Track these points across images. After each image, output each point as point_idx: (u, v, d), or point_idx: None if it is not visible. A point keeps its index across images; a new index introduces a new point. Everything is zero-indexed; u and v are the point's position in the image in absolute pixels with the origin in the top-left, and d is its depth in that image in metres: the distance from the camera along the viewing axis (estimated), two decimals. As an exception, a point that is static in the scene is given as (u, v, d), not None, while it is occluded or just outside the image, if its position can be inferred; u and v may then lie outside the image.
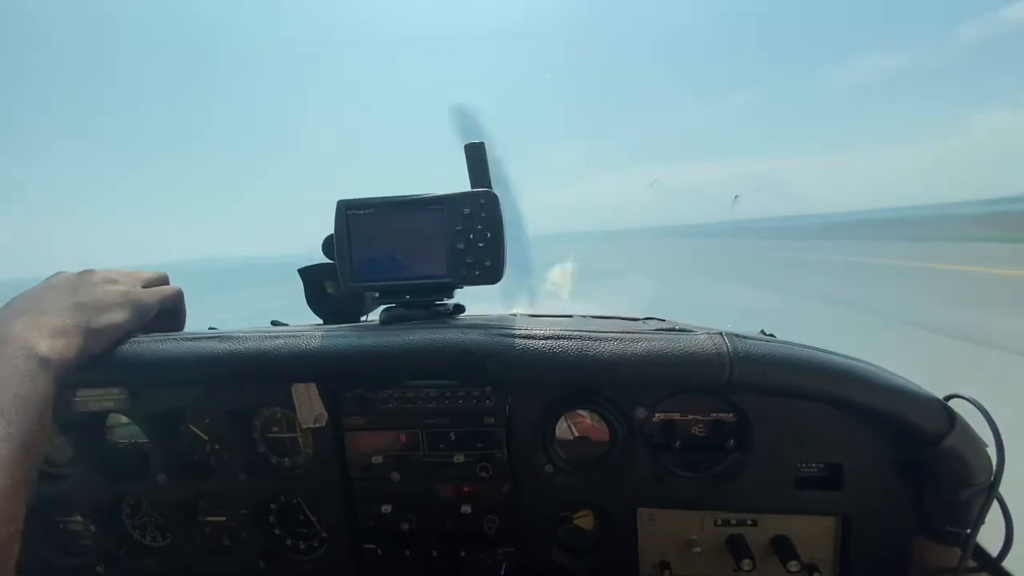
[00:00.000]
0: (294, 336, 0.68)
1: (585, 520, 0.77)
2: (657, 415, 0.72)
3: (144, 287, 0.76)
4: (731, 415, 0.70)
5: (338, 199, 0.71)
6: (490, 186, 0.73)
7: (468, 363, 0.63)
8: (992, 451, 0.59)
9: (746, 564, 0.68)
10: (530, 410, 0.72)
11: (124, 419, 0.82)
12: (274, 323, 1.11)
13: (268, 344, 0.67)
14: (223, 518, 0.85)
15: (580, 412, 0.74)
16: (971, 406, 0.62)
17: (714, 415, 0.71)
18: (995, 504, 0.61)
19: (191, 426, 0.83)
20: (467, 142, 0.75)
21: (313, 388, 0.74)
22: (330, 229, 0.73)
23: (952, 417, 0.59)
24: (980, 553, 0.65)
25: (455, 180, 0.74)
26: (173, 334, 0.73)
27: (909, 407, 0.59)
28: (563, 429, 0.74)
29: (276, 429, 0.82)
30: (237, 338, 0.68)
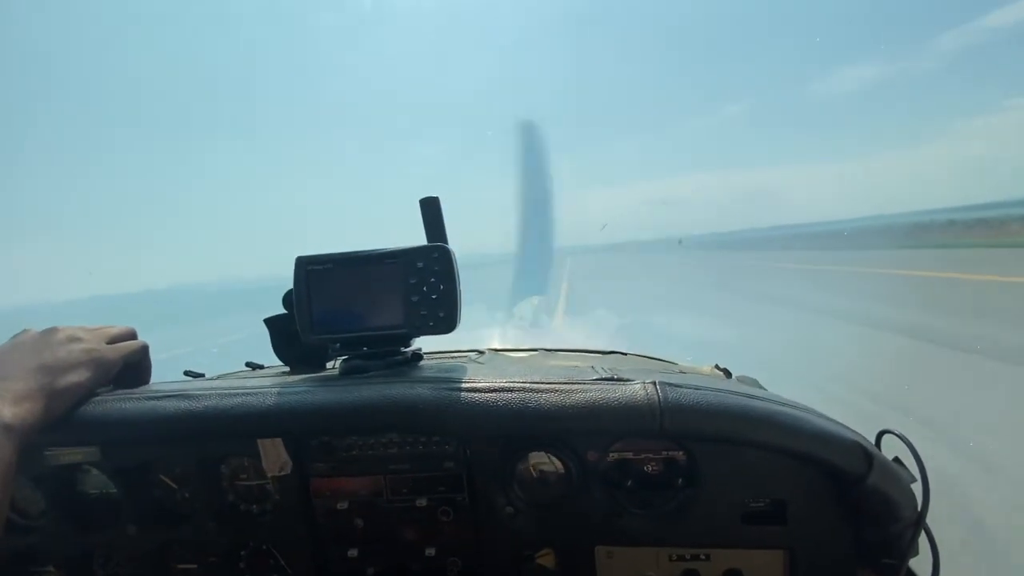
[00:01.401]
0: (252, 394, 0.70)
1: (547, 559, 0.79)
2: (612, 454, 0.74)
3: (109, 343, 0.78)
4: (681, 453, 0.73)
5: (297, 255, 0.74)
6: (445, 240, 0.77)
7: (415, 420, 0.66)
8: (918, 487, 0.63)
9: None
10: (489, 454, 0.75)
11: (95, 469, 0.83)
12: (248, 364, 1.12)
13: (227, 403, 0.70)
14: (194, 565, 0.86)
15: (538, 454, 0.76)
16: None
17: (666, 453, 0.73)
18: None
19: (161, 476, 0.84)
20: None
21: (278, 440, 0.76)
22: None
23: (870, 458, 0.62)
24: None
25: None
26: (136, 391, 0.75)
27: (829, 451, 0.62)
28: (522, 471, 0.77)
29: (244, 476, 0.83)
30: (197, 396, 0.71)
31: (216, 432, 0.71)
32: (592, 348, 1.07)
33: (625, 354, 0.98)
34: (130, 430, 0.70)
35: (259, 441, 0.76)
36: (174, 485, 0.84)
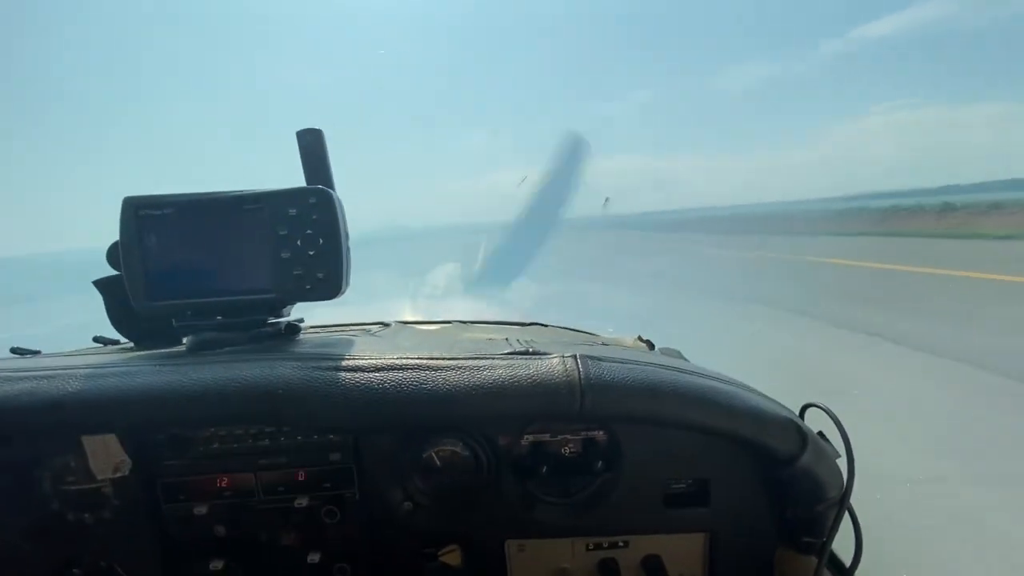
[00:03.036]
0: (48, 377, 0.53)
1: (452, 557, 0.69)
2: (526, 438, 0.65)
3: None
4: (601, 432, 0.65)
5: (125, 196, 0.56)
6: (330, 183, 0.62)
7: (274, 409, 0.51)
8: (843, 463, 0.59)
9: None
10: (384, 442, 0.63)
11: None
12: (97, 340, 0.92)
13: (5, 390, 0.52)
14: None
15: (441, 440, 0.65)
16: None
17: (585, 433, 0.65)
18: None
19: None
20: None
21: (110, 437, 0.60)
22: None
23: (804, 438, 0.58)
24: (835, 562, 0.65)
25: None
26: None
27: (763, 431, 0.57)
28: (424, 460, 0.66)
29: (72, 479, 0.66)
30: None
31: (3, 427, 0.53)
32: (512, 321, 0.97)
33: (546, 326, 0.90)
34: None
35: (82, 437, 0.59)
36: None
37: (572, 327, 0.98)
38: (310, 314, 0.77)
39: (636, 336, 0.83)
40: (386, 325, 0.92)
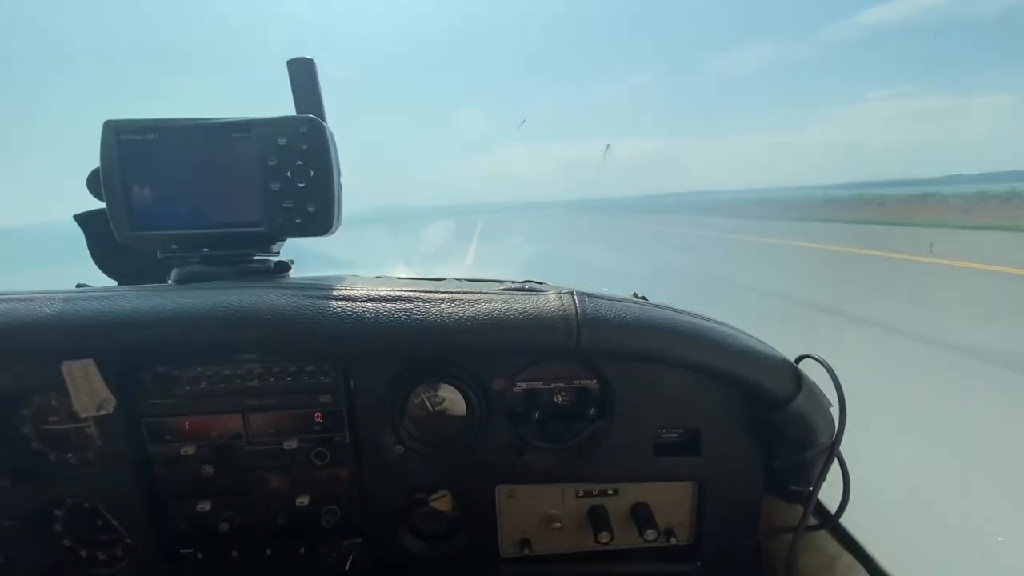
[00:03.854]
0: (27, 300, 0.51)
1: (442, 502, 0.69)
2: (519, 384, 0.65)
3: None
4: (594, 381, 0.65)
5: (105, 120, 0.54)
6: (322, 114, 0.59)
7: (263, 334, 0.50)
8: (836, 412, 0.59)
9: (604, 537, 0.65)
10: (375, 385, 0.62)
11: None
12: (80, 286, 0.89)
13: None
14: None
15: (434, 384, 0.65)
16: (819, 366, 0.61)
17: (578, 382, 0.65)
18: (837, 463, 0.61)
19: None
20: None
21: (91, 367, 0.58)
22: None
23: (800, 379, 0.58)
24: (821, 510, 0.66)
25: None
26: None
27: (760, 370, 0.56)
28: (415, 405, 0.65)
29: (55, 419, 0.64)
30: None
31: None
32: (506, 279, 0.96)
33: (541, 283, 0.88)
34: None
35: (65, 369, 0.57)
36: None
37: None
38: (300, 270, 0.76)
39: (632, 293, 0.82)
40: (380, 277, 0.90)
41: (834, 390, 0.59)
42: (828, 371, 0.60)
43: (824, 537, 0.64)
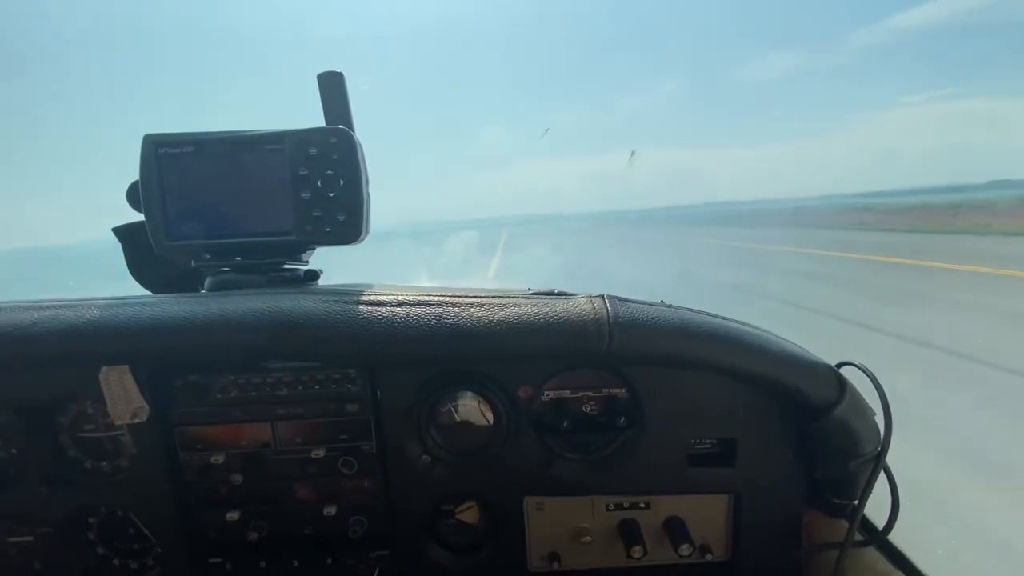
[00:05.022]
0: (67, 307, 0.52)
1: (470, 514, 0.68)
2: (546, 393, 0.64)
3: None
4: (623, 390, 0.63)
5: (145, 134, 0.56)
6: (350, 124, 0.61)
7: (295, 339, 0.50)
8: (880, 420, 0.56)
9: (636, 552, 0.63)
10: (402, 393, 0.62)
11: None
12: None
13: (25, 317, 0.51)
14: (29, 538, 0.69)
15: (461, 393, 0.64)
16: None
17: (606, 391, 0.64)
18: (883, 476, 0.58)
19: None
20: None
21: (127, 374, 0.60)
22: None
23: (843, 385, 0.55)
24: (867, 525, 0.63)
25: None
26: None
27: (800, 375, 0.54)
28: (442, 414, 0.65)
29: (90, 427, 0.66)
30: None
31: (13, 356, 0.53)
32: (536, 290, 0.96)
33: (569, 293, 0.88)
34: None
35: (103, 376, 0.59)
36: None
37: None
38: (328, 279, 0.76)
39: (660, 301, 0.81)
40: (392, 285, 0.91)
41: (877, 399, 0.57)
42: (871, 379, 0.57)
43: (872, 554, 0.61)
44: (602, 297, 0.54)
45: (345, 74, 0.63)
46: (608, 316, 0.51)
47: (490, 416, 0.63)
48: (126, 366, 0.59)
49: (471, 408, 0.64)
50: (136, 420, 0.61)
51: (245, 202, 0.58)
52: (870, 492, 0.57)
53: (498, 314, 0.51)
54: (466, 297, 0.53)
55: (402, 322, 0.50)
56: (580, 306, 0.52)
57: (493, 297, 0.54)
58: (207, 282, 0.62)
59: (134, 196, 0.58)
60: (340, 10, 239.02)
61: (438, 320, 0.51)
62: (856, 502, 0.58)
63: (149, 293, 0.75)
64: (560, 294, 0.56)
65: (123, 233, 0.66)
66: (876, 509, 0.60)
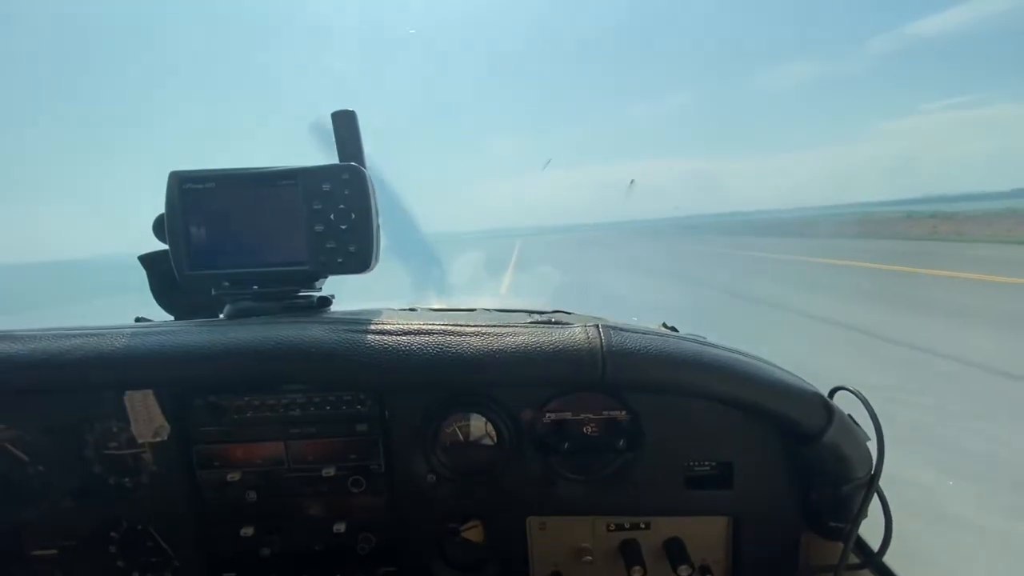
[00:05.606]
0: (95, 335, 0.56)
1: (474, 532, 0.70)
2: (548, 415, 0.66)
3: None
4: (623, 413, 0.65)
5: (171, 171, 0.60)
6: (362, 161, 0.64)
7: (308, 365, 0.53)
8: (873, 445, 0.58)
9: (636, 572, 0.64)
10: (409, 415, 0.64)
11: None
12: (138, 320, 0.96)
13: (60, 345, 0.55)
14: (53, 551, 0.72)
15: (465, 415, 0.67)
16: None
17: (607, 413, 0.66)
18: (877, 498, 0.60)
19: (7, 445, 0.69)
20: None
21: (150, 396, 0.63)
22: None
23: (831, 412, 0.57)
24: (863, 547, 0.64)
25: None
26: None
27: (788, 403, 0.56)
28: (446, 434, 0.67)
29: (114, 445, 0.69)
30: (22, 338, 0.56)
31: (45, 383, 0.56)
32: (535, 308, 0.98)
33: (570, 313, 0.90)
34: None
35: (128, 397, 0.62)
36: (24, 457, 0.69)
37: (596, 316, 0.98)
38: (340, 304, 0.80)
39: (661, 323, 0.83)
40: (413, 310, 0.94)
41: (871, 423, 0.58)
42: (864, 404, 0.59)
43: None
44: (596, 326, 0.56)
45: (358, 109, 0.67)
46: (602, 345, 0.53)
47: (494, 437, 0.66)
48: (150, 390, 0.62)
49: (475, 429, 0.66)
50: (158, 439, 0.65)
51: (262, 234, 0.61)
52: (864, 515, 0.58)
53: (496, 343, 0.54)
54: (467, 326, 0.56)
55: (406, 351, 0.53)
56: (575, 335, 0.55)
57: (492, 326, 0.56)
58: (226, 309, 0.66)
59: (159, 228, 0.62)
60: (350, 10, 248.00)
61: (440, 349, 0.53)
62: (851, 525, 0.60)
63: (171, 317, 0.78)
64: (558, 322, 0.59)
65: (149, 261, 0.70)
66: (874, 531, 0.61)
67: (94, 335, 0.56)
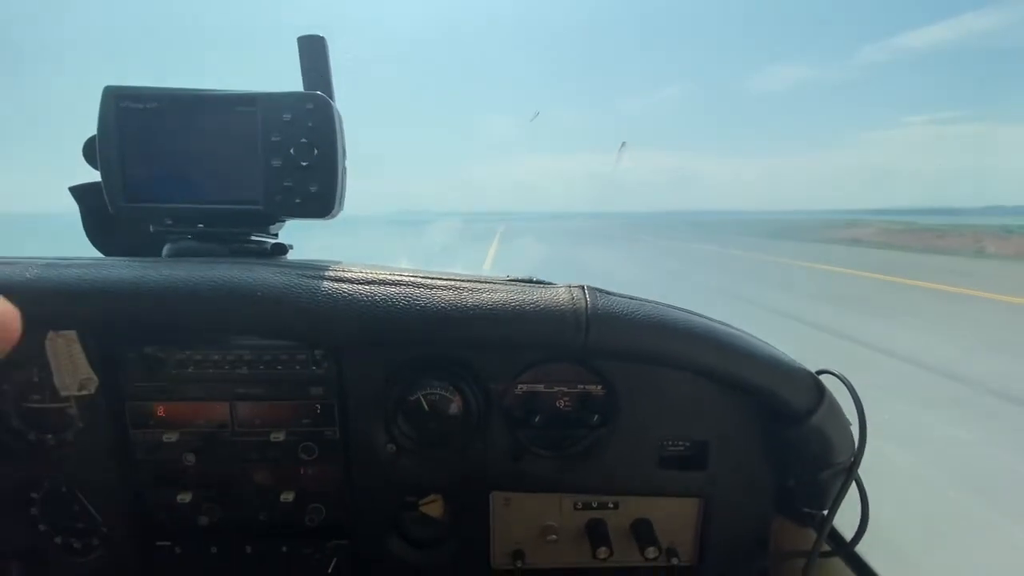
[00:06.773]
0: (3, 264, 0.48)
1: (434, 507, 0.66)
2: (519, 386, 0.62)
3: None
4: (599, 387, 0.62)
5: (106, 85, 0.52)
6: (331, 93, 0.57)
7: (251, 313, 0.47)
8: (855, 430, 0.56)
9: (602, 552, 0.61)
10: (369, 379, 0.59)
11: None
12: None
13: None
14: None
15: (431, 382, 0.62)
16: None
17: (581, 387, 0.62)
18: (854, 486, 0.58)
19: None
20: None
21: (75, 343, 0.56)
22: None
23: (821, 392, 0.54)
24: (835, 536, 0.62)
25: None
26: None
27: (779, 379, 0.53)
28: (411, 402, 0.62)
29: (37, 398, 0.62)
30: None
31: None
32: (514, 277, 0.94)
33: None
34: None
35: (49, 341, 0.55)
36: None
37: None
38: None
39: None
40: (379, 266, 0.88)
41: (854, 409, 0.56)
42: (848, 388, 0.56)
43: (838, 565, 0.60)
44: (581, 287, 0.52)
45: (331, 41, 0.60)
46: (587, 307, 0.49)
47: (460, 407, 0.61)
48: (73, 333, 0.55)
49: (441, 398, 0.61)
50: (84, 392, 0.58)
51: (211, 166, 0.54)
52: (840, 503, 0.56)
53: (471, 299, 0.49)
54: (439, 279, 0.51)
55: (368, 300, 0.47)
56: (558, 295, 0.50)
57: (468, 281, 0.51)
58: (165, 249, 0.59)
59: (91, 152, 0.54)
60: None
61: (407, 301, 0.48)
62: (826, 512, 0.58)
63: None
64: (539, 282, 0.54)
65: (81, 193, 0.62)
66: (845, 518, 0.60)
67: (3, 264, 0.49)
